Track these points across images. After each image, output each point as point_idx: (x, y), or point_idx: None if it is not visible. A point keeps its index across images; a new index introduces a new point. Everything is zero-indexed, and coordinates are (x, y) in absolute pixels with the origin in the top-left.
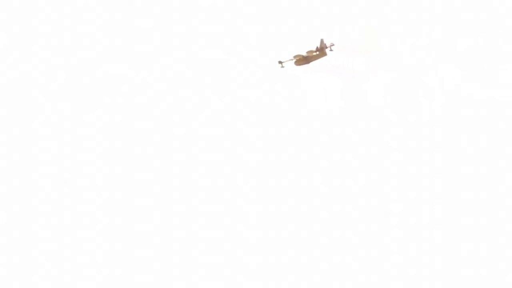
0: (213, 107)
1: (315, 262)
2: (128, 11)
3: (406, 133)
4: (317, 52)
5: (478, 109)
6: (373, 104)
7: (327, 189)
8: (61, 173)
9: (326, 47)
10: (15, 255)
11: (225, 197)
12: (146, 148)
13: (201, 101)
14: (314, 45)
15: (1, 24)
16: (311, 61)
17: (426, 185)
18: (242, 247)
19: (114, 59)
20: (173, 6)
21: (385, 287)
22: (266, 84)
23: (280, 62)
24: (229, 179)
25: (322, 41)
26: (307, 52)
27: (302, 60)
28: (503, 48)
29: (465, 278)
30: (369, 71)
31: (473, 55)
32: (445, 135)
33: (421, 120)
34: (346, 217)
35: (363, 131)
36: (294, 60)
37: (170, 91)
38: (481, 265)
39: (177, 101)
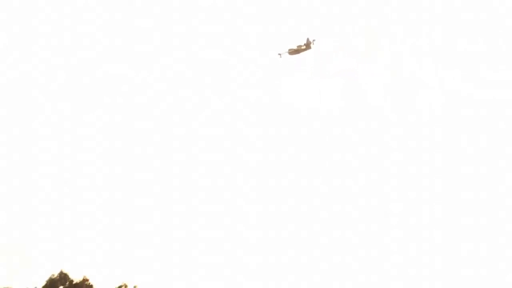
0: (213, 107)
1: (315, 262)
2: (128, 11)
3: (406, 133)
4: (305, 47)
5: (478, 109)
6: (373, 104)
7: (327, 189)
8: (61, 172)
9: (310, 43)
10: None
11: (225, 197)
12: (146, 148)
13: (201, 101)
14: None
15: (1, 24)
16: (301, 52)
17: (426, 185)
18: (242, 247)
19: (114, 59)
20: (173, 6)
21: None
22: (266, 84)
23: (279, 54)
24: (229, 179)
25: (308, 39)
26: (297, 46)
27: (294, 51)
28: (503, 48)
29: (465, 278)
30: (369, 71)
31: (473, 56)
32: (445, 135)
33: (421, 120)
34: (346, 217)
35: (363, 131)
36: (288, 52)
37: (170, 91)
38: (481, 265)
39: (177, 101)
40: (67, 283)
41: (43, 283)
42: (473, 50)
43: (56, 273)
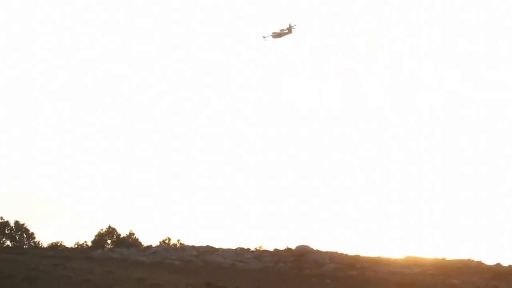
0: (213, 107)
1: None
2: (128, 11)
3: (406, 133)
4: (287, 30)
5: (478, 109)
6: (373, 104)
7: (327, 189)
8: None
9: (292, 27)
10: None
11: (225, 197)
12: (146, 148)
13: (201, 101)
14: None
15: (1, 24)
16: (283, 35)
17: (426, 185)
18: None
19: (114, 59)
20: (173, 6)
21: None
22: (265, 84)
23: (264, 37)
24: (229, 179)
25: (290, 24)
26: (280, 30)
27: (277, 35)
28: (502, 48)
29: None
30: (369, 71)
31: (473, 56)
32: (445, 135)
33: (421, 120)
34: (346, 217)
35: (363, 131)
36: (272, 35)
37: (170, 91)
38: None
39: (177, 101)
40: (115, 237)
41: (92, 237)
42: (473, 50)
43: (104, 228)
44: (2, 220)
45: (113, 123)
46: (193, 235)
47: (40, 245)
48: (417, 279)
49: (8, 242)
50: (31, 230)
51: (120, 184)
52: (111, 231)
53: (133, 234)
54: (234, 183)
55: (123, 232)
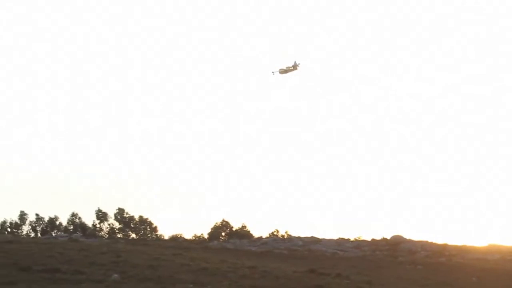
0: (213, 107)
1: None
2: (128, 11)
3: (406, 133)
4: (292, 68)
5: (478, 109)
6: (373, 104)
7: (326, 188)
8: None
9: (297, 65)
10: None
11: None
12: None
13: (201, 101)
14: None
15: (1, 25)
16: (289, 72)
17: (427, 184)
18: None
19: (114, 59)
20: (173, 6)
21: None
22: (266, 85)
23: (272, 72)
24: (228, 178)
25: (295, 62)
26: (286, 67)
27: (283, 71)
28: (502, 48)
29: None
30: (368, 71)
31: (473, 56)
32: (445, 135)
33: (421, 120)
34: (346, 216)
35: (363, 131)
36: (279, 71)
37: (170, 91)
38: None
39: (177, 101)
40: (228, 230)
41: (209, 230)
42: (474, 51)
43: (219, 221)
44: (128, 215)
45: (225, 127)
46: (299, 227)
47: (162, 237)
48: (498, 264)
49: (133, 235)
50: (154, 223)
51: (234, 182)
52: (225, 224)
53: (245, 226)
54: (333, 181)
55: (236, 225)
